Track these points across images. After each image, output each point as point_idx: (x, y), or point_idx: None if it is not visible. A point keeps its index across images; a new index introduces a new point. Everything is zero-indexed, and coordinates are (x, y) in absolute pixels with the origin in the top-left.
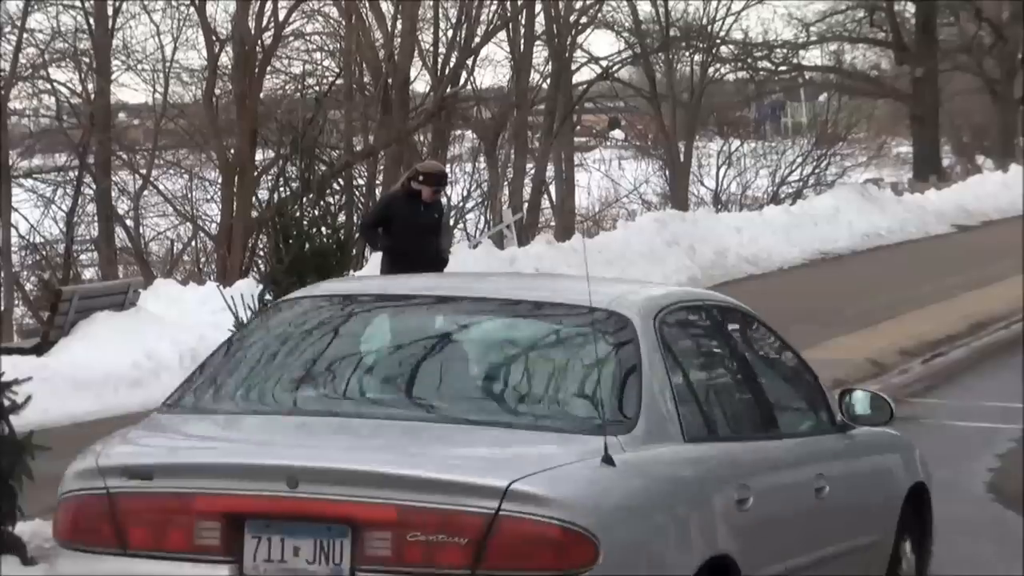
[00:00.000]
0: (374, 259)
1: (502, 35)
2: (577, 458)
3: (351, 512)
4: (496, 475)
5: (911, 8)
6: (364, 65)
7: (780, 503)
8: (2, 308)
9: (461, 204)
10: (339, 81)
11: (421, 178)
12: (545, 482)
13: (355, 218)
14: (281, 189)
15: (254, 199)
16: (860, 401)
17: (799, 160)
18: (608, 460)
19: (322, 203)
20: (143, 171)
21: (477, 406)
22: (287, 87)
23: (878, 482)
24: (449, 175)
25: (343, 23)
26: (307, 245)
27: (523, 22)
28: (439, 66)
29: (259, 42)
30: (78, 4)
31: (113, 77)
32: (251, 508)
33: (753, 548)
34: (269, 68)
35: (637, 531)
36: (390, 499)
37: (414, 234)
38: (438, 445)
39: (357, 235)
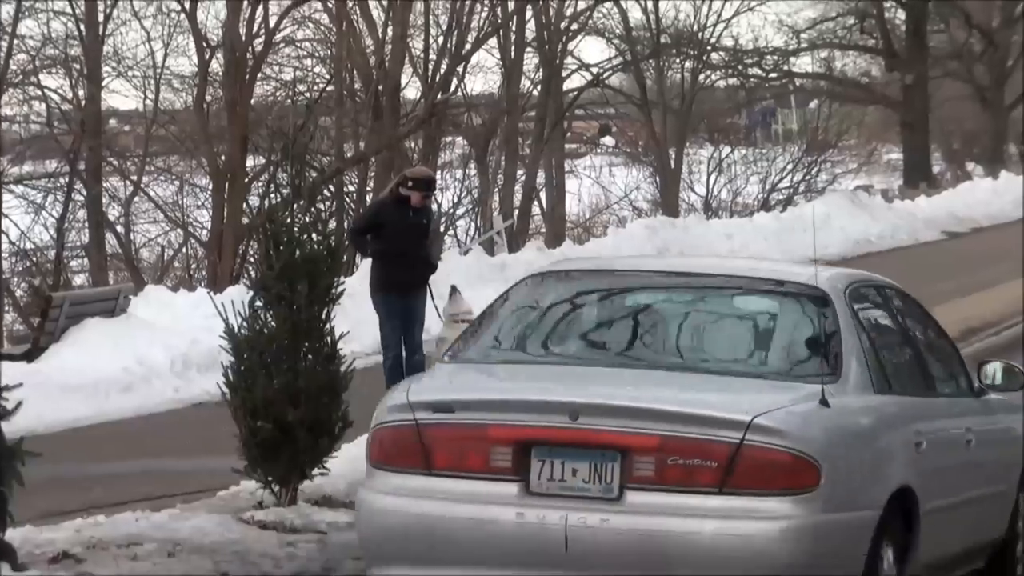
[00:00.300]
0: (365, 265)
1: (493, 42)
2: (800, 401)
3: (621, 440)
4: (740, 412)
5: (901, 15)
6: (355, 71)
7: (943, 448)
8: None
9: (451, 210)
10: (330, 87)
11: (410, 183)
12: (779, 418)
13: (346, 224)
14: (272, 195)
15: (245, 205)
16: (996, 371)
17: (789, 167)
18: (824, 403)
19: (313, 209)
20: (134, 177)
21: (715, 359)
22: (278, 93)
23: (1007, 440)
24: (438, 181)
25: (334, 30)
26: (298, 251)
27: (514, 29)
28: (430, 73)
29: (250, 48)
30: (69, 11)
31: (104, 83)
32: (538, 436)
33: (926, 483)
34: (260, 74)
35: (848, 461)
36: (654, 430)
37: (404, 239)
38: (690, 389)
39: (347, 241)
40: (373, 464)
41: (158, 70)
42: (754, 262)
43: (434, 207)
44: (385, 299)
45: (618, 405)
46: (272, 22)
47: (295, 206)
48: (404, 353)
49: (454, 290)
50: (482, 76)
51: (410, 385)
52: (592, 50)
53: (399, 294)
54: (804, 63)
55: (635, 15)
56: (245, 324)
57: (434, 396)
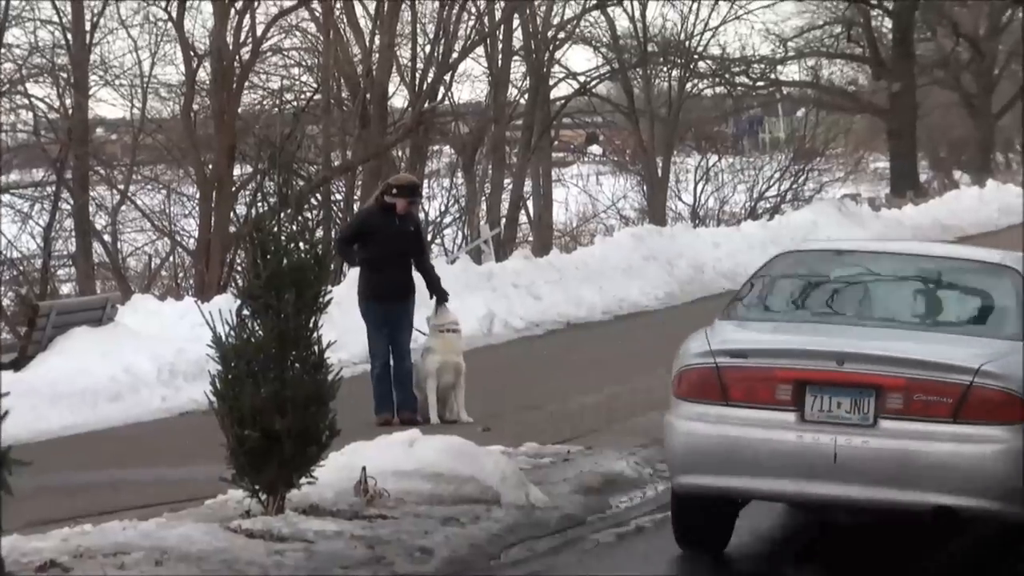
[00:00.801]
0: (352, 274)
1: (480, 50)
2: (1010, 353)
3: (877, 381)
4: (970, 360)
5: (888, 24)
6: (342, 80)
7: None
8: None
9: (439, 219)
10: (317, 96)
11: (394, 190)
12: (999, 366)
13: (332, 233)
14: (259, 204)
15: (232, 214)
16: None
17: (777, 175)
18: None
19: (300, 218)
20: (121, 186)
21: (939, 320)
22: (265, 102)
23: None
24: (425, 189)
25: (321, 38)
26: (285, 260)
27: (501, 37)
28: (417, 81)
29: (237, 57)
30: (56, 19)
31: (91, 92)
32: (811, 377)
33: None
34: (247, 83)
35: None
36: (902, 373)
37: (390, 247)
38: (928, 342)
39: (334, 251)
40: (679, 397)
41: (145, 79)
42: (953, 246)
43: (420, 215)
44: (372, 307)
45: (874, 354)
46: (259, 31)
47: (282, 215)
48: (392, 360)
49: (439, 301)
50: (469, 85)
51: (708, 336)
52: (579, 59)
53: (386, 301)
54: (791, 71)
55: (622, 24)
56: (232, 333)
57: (730, 345)
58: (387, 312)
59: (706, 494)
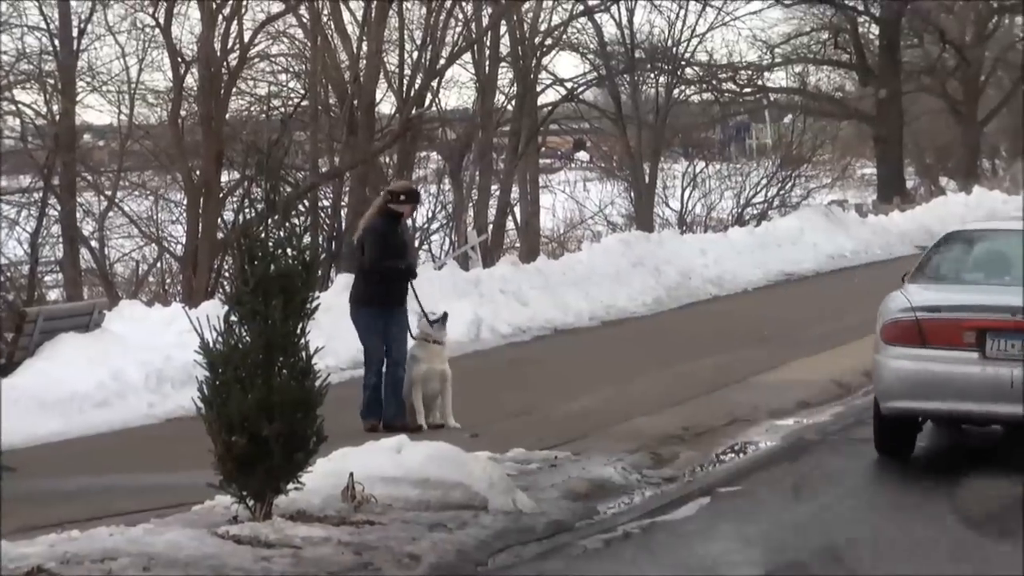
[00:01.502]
0: (340, 280)
1: (467, 56)
2: None
3: None
4: None
5: (875, 30)
6: (329, 87)
7: None
8: None
9: (426, 225)
10: (304, 102)
11: (402, 197)
12: None
13: (320, 239)
14: (246, 210)
15: (219, 220)
16: None
17: (764, 182)
18: None
19: (287, 224)
20: (108, 192)
21: None
22: (252, 109)
23: None
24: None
25: (308, 45)
26: (272, 266)
27: (488, 44)
28: (404, 87)
29: (225, 64)
30: (43, 26)
31: (78, 98)
32: (992, 326)
33: None
34: (235, 90)
35: None
36: None
37: (396, 252)
38: None
39: (371, 268)
40: (886, 342)
41: (132, 85)
42: None
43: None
44: (373, 313)
45: None
46: (247, 37)
47: (270, 221)
48: (387, 367)
49: (423, 313)
50: (456, 91)
51: (907, 297)
52: (566, 65)
53: (387, 308)
54: (778, 78)
55: (609, 30)
56: (220, 339)
57: (927, 303)
58: (388, 319)
59: (907, 415)
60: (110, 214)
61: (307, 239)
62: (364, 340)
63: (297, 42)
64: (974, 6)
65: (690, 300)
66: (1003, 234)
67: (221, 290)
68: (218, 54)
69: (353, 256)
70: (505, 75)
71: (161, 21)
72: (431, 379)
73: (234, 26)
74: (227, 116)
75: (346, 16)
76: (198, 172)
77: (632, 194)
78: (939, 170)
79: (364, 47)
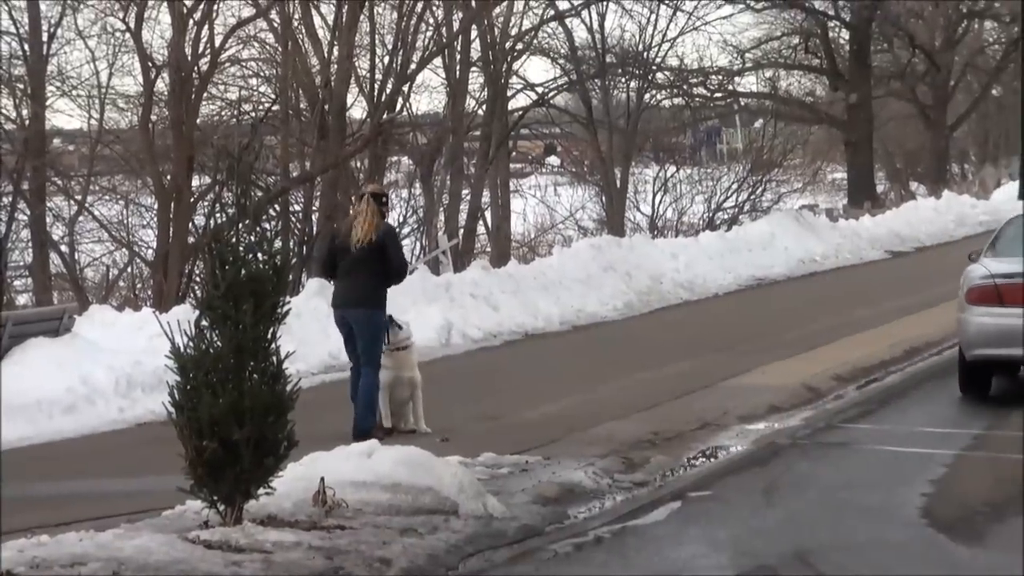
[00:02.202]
0: (311, 285)
1: (438, 61)
2: None
3: None
4: None
5: (845, 35)
6: (300, 91)
7: None
8: None
9: (397, 230)
10: (275, 107)
11: (384, 199)
12: None
13: (291, 244)
14: (217, 215)
15: (190, 225)
16: None
17: (735, 186)
18: None
19: (258, 229)
20: (78, 197)
21: None
22: (223, 113)
23: None
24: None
25: (279, 49)
26: (243, 270)
27: (459, 48)
28: (375, 92)
29: (195, 68)
30: (12, 30)
31: (48, 103)
32: None
33: None
34: (205, 94)
35: None
36: None
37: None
38: None
39: (402, 271)
40: (969, 303)
41: (103, 89)
42: None
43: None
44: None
45: None
46: (218, 42)
47: (240, 225)
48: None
49: (391, 321)
50: (427, 95)
51: (986, 266)
52: (537, 69)
53: (346, 309)
54: (749, 83)
55: (580, 35)
56: (191, 344)
57: (1003, 271)
58: (345, 322)
59: (988, 360)
60: (80, 218)
61: (278, 243)
62: (380, 344)
63: (268, 46)
64: (943, 11)
65: (661, 305)
66: None
67: (192, 294)
68: (189, 58)
69: (368, 259)
70: (476, 79)
71: (132, 25)
72: (399, 385)
73: (205, 30)
74: (198, 120)
75: (317, 20)
76: (169, 177)
77: (603, 198)
78: (909, 175)
79: (335, 51)
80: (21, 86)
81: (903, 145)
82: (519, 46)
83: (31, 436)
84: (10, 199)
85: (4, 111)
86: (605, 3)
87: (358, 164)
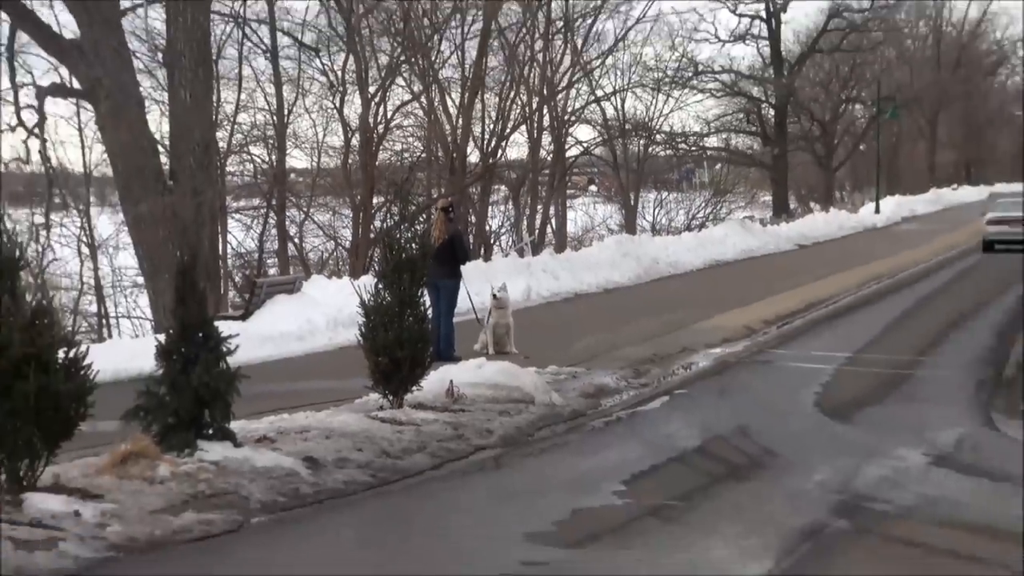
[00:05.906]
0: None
1: (523, 127)
2: None
3: None
4: None
5: (771, 112)
6: (438, 145)
7: None
8: (221, 292)
9: (498, 230)
10: (422, 155)
11: (450, 210)
12: None
13: (431, 240)
14: (388, 220)
15: (372, 227)
16: None
17: (703, 204)
18: None
19: (412, 230)
20: (305, 209)
21: None
22: (392, 159)
23: None
24: (489, 212)
25: (426, 119)
26: (403, 255)
27: (536, 119)
28: (484, 146)
29: (375, 131)
30: (265, 107)
31: (288, 152)
32: (1011, 221)
33: None
34: (381, 147)
35: None
36: None
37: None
38: None
39: (466, 259)
40: (987, 224)
41: (320, 143)
42: None
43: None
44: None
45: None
46: (389, 115)
47: (402, 227)
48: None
49: (503, 289)
50: (516, 148)
51: (992, 211)
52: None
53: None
54: (712, 141)
55: (610, 111)
56: (371, 299)
57: (998, 214)
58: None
59: (993, 239)
60: (306, 223)
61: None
62: (455, 302)
63: (419, 117)
64: (831, 98)
65: (658, 276)
66: (1013, 194)
67: (372, 269)
68: (371, 125)
69: (443, 250)
70: (546, 138)
71: (337, 104)
72: (499, 327)
73: (381, 108)
74: (376, 163)
75: (449, 102)
76: (359, 197)
77: (623, 212)
78: (809, 198)
79: (460, 121)
80: (271, 141)
81: (806, 180)
82: (573, 118)
83: (275, 355)
84: (264, 210)
85: (261, 157)
86: (625, 92)
87: (473, 190)
